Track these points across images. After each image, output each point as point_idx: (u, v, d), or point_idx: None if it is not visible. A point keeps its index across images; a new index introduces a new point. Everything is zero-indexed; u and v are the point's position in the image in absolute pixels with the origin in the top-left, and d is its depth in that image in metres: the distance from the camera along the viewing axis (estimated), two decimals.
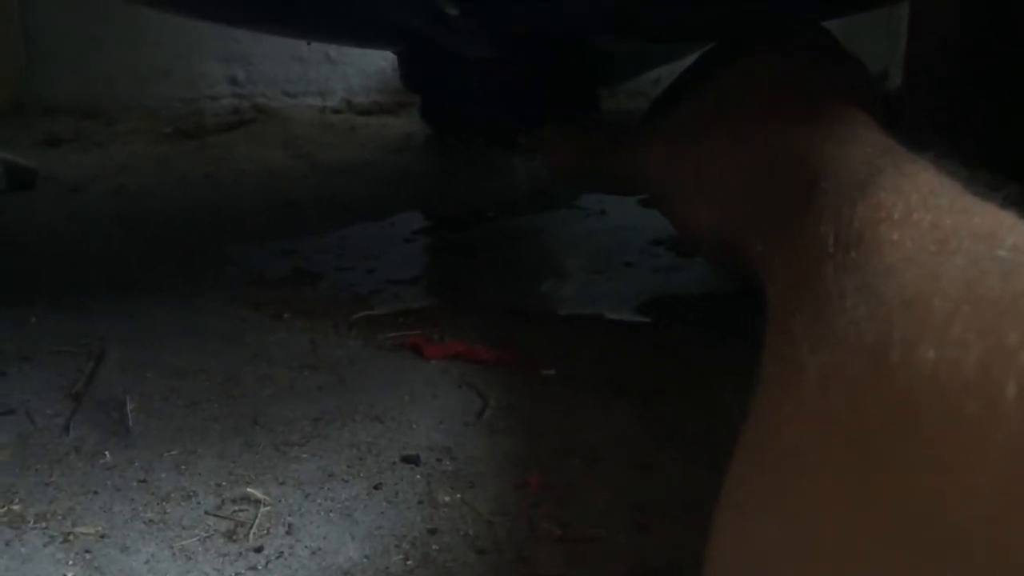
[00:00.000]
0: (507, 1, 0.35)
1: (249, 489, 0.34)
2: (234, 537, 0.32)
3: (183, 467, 0.36)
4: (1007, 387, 0.15)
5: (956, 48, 0.55)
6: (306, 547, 0.31)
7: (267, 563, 0.31)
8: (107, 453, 0.37)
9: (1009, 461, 0.14)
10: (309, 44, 0.96)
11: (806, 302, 0.23)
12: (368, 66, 1.05)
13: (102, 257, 0.60)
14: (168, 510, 0.34)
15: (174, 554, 0.31)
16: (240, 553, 0.31)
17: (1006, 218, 0.22)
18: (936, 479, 0.15)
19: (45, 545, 0.32)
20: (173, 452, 0.37)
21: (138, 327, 0.49)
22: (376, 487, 0.35)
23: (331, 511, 0.33)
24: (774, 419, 0.21)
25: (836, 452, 0.17)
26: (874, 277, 0.21)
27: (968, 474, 0.14)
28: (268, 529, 0.32)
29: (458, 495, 0.34)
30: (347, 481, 0.35)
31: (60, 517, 0.33)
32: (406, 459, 0.36)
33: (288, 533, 0.32)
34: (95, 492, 0.35)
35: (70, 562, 0.31)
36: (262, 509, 0.33)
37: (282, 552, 0.31)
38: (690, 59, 0.47)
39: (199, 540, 0.32)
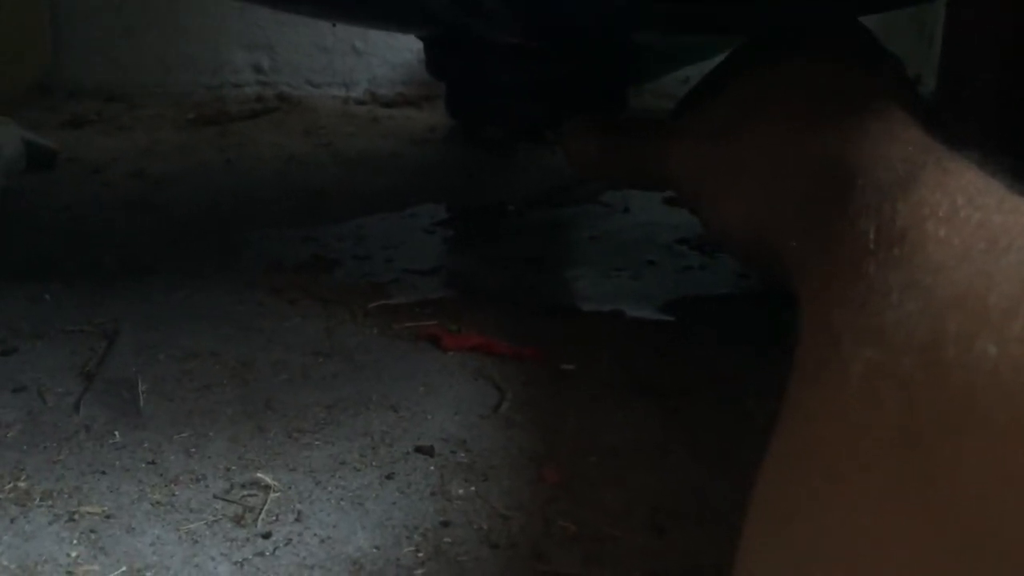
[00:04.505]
0: None
1: (259, 474, 0.34)
2: (242, 522, 0.31)
3: (193, 450, 0.36)
4: None
5: (1001, 52, 0.54)
6: (315, 535, 0.31)
7: (275, 549, 0.30)
8: (116, 433, 0.37)
9: None
10: (334, 26, 0.95)
11: (847, 298, 0.22)
12: (394, 57, 1.05)
13: (120, 238, 0.60)
14: (176, 492, 0.33)
15: (180, 537, 0.30)
16: (248, 538, 0.30)
17: None
18: (998, 482, 0.14)
19: (50, 523, 0.31)
20: (183, 435, 0.37)
21: (153, 309, 0.49)
22: (388, 477, 0.34)
23: (342, 499, 0.33)
24: (815, 416, 0.20)
25: (885, 453, 0.16)
26: (922, 274, 0.20)
27: None
28: (277, 515, 0.32)
29: (472, 488, 0.33)
30: (359, 470, 0.34)
31: (66, 496, 0.33)
32: (420, 449, 0.36)
33: (297, 520, 0.31)
34: (103, 472, 0.34)
35: (74, 541, 0.30)
36: (272, 495, 0.33)
37: (290, 539, 0.30)
38: (719, 59, 0.46)
39: (206, 524, 0.31)
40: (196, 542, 0.30)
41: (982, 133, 0.54)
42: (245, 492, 0.33)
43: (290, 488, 0.33)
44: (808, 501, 0.18)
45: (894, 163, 0.28)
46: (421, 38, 0.49)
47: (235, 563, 0.29)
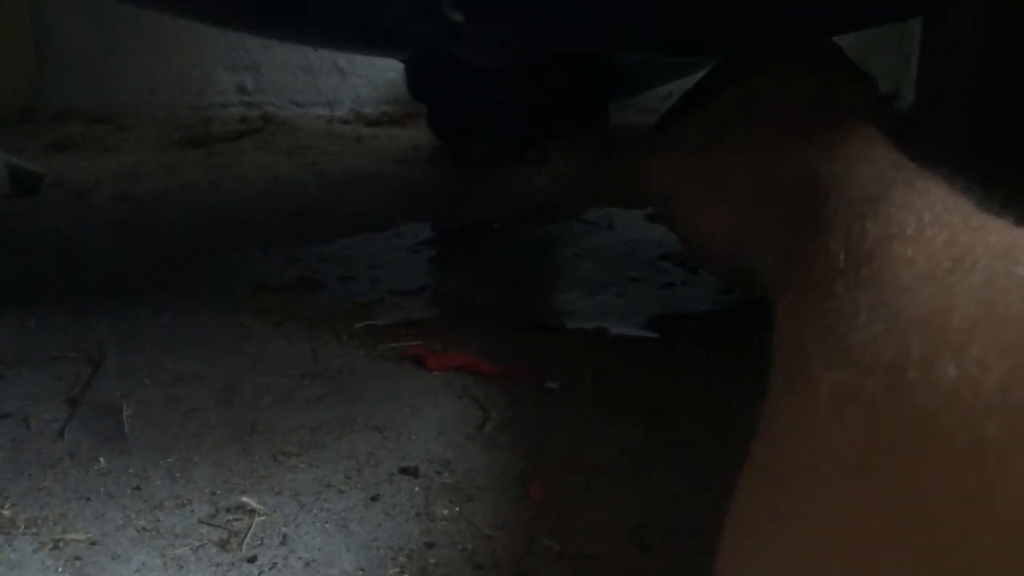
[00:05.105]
0: (511, 9, 0.35)
1: (244, 498, 0.34)
2: (227, 546, 0.31)
3: (178, 474, 0.36)
4: None
5: (977, 66, 0.54)
6: (300, 558, 0.31)
7: (260, 573, 0.30)
8: (101, 459, 0.37)
9: None
10: (316, 50, 0.95)
11: (817, 319, 0.22)
12: (377, 77, 1.05)
13: (105, 262, 0.60)
14: (161, 518, 0.33)
15: (165, 563, 0.31)
16: (233, 563, 0.31)
17: (1022, 235, 0.22)
18: (956, 503, 0.14)
19: (35, 551, 0.31)
20: (168, 459, 0.37)
21: (139, 333, 0.49)
22: (373, 498, 0.34)
23: (327, 522, 0.33)
24: (785, 437, 0.20)
25: (851, 472, 0.17)
26: (889, 294, 0.20)
27: (989, 498, 0.14)
28: (262, 539, 0.32)
29: (456, 508, 0.34)
30: (344, 492, 0.35)
31: (51, 523, 0.33)
32: (404, 471, 0.36)
33: (282, 543, 0.32)
34: (88, 499, 0.34)
35: (59, 569, 0.30)
36: (257, 519, 0.33)
37: (275, 563, 0.31)
38: (701, 74, 0.47)
39: (191, 549, 0.31)
40: (181, 567, 0.30)
41: (958, 146, 0.55)
42: (230, 516, 0.33)
43: (275, 511, 0.33)
44: (780, 519, 0.18)
45: (865, 182, 0.28)
46: (402, 61, 0.50)
47: None
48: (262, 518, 0.33)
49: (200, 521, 0.33)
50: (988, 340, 0.16)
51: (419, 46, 0.44)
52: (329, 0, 0.36)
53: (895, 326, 0.19)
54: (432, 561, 0.31)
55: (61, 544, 0.32)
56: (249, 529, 0.32)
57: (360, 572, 0.30)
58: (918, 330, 0.18)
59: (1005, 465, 0.14)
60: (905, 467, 0.15)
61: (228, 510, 0.33)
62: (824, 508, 0.17)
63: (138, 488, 0.35)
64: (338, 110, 1.06)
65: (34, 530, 0.32)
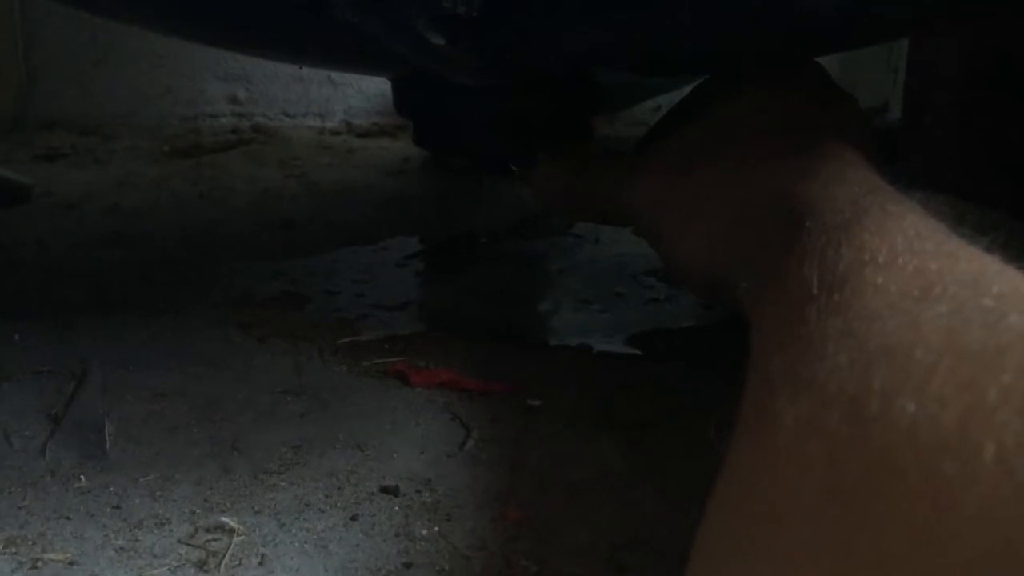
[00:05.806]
0: (493, 32, 0.35)
1: (223, 518, 0.34)
2: (205, 567, 0.31)
3: (158, 493, 0.36)
4: (985, 447, 0.14)
5: (958, 82, 0.55)
6: None
7: None
8: (82, 477, 0.37)
9: (985, 526, 0.13)
10: (300, 68, 0.96)
11: (788, 346, 0.23)
12: (369, 88, 1.05)
13: (92, 275, 0.60)
14: (140, 537, 0.33)
15: None
16: None
17: (992, 264, 0.22)
18: (911, 541, 0.14)
19: (13, 571, 0.31)
20: (149, 477, 0.37)
21: (123, 348, 0.49)
22: (353, 518, 0.34)
23: (306, 542, 0.33)
24: (750, 469, 0.20)
25: (812, 507, 0.17)
26: (857, 322, 0.20)
27: (943, 538, 0.14)
28: (241, 560, 0.32)
29: (435, 528, 0.34)
30: (323, 511, 0.35)
31: (30, 543, 0.33)
32: (385, 490, 0.36)
33: (261, 564, 0.32)
34: (67, 517, 0.34)
35: None
36: (236, 539, 0.33)
37: None
38: (689, 88, 0.47)
39: (169, 570, 0.31)
40: None
41: (940, 161, 0.55)
42: (209, 536, 0.33)
43: (254, 531, 0.33)
44: (743, 553, 0.18)
45: (840, 206, 0.28)
46: (387, 78, 0.50)
47: None
48: (241, 538, 0.33)
49: (179, 541, 0.33)
50: (948, 375, 0.16)
51: (402, 66, 0.45)
52: (309, 21, 0.36)
53: (860, 357, 0.19)
54: None
55: (40, 564, 0.32)
56: (228, 549, 0.32)
57: None
58: (881, 362, 0.18)
59: (959, 503, 0.14)
60: (863, 504, 0.15)
61: (207, 530, 0.33)
62: (786, 543, 0.17)
63: (118, 507, 0.35)
64: (329, 121, 1.06)
65: (13, 549, 0.32)
